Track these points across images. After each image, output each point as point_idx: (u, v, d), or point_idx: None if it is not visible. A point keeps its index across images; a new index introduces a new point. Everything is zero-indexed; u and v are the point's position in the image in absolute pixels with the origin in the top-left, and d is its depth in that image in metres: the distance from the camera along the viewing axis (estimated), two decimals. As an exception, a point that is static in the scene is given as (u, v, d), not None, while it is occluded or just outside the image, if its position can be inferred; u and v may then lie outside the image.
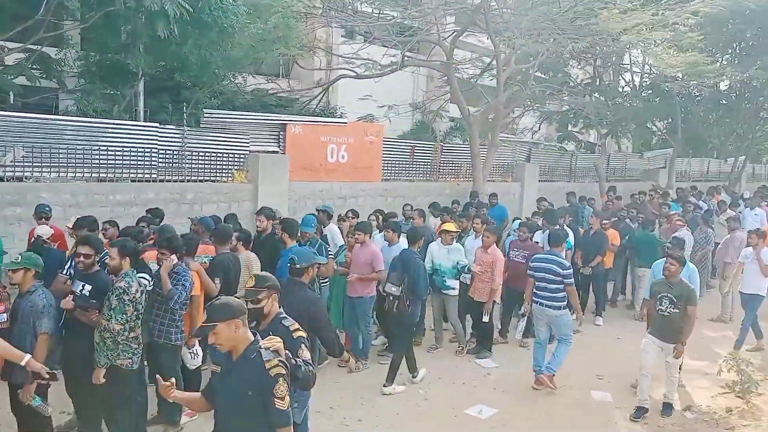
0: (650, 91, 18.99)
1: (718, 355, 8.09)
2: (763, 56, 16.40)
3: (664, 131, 21.16)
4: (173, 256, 5.17)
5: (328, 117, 13.12)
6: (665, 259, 6.34)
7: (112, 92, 11.36)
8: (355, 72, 13.35)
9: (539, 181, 17.34)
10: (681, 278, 6.11)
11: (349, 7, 12.26)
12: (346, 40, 13.69)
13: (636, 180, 21.22)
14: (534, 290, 6.86)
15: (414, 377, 6.87)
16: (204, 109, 10.46)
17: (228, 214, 8.06)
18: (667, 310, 6.02)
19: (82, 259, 4.66)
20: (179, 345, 5.30)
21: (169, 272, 5.12)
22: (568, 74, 19.10)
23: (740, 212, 13.25)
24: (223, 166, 10.61)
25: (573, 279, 6.77)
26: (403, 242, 7.14)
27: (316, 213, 8.53)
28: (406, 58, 12.69)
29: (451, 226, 7.68)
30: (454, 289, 7.61)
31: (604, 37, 12.37)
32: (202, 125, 10.45)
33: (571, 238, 9.45)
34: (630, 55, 14.90)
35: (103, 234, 6.39)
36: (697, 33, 14.54)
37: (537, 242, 8.63)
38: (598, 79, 17.53)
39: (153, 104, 11.50)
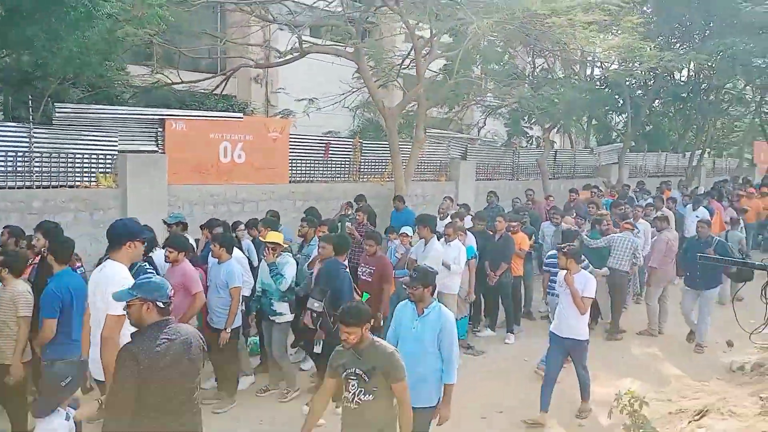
0: (595, 83, 17.93)
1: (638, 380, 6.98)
2: (708, 42, 15.45)
3: (621, 126, 20.13)
4: None
5: (224, 112, 11.68)
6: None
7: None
8: (252, 60, 11.98)
9: (478, 180, 16.15)
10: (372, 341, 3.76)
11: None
12: (241, 25, 12.21)
13: (586, 177, 20.14)
14: (549, 283, 7.80)
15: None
16: (55, 104, 8.98)
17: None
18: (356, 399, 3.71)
19: None
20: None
21: None
22: (513, 65, 17.92)
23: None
24: (83, 169, 9.18)
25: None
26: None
27: (166, 225, 7.25)
28: (309, 45, 11.36)
29: (275, 237, 6.23)
30: (282, 314, 6.21)
31: (528, 19, 11.18)
32: (55, 122, 9.01)
33: (473, 243, 8.23)
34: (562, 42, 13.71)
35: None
36: (636, 16, 13.46)
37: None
38: (534, 70, 16.35)
39: (15, 100, 10.00)
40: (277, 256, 6.05)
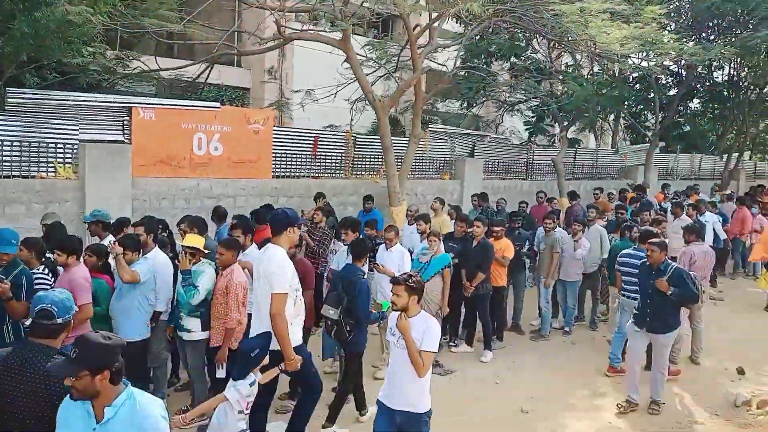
0: (615, 78, 16.69)
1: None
2: (735, 35, 14.10)
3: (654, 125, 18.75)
4: None
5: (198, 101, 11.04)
6: None
7: None
8: (235, 48, 11.31)
9: (487, 179, 15.21)
10: None
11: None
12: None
13: (609, 178, 18.95)
14: (623, 284, 7.21)
15: (362, 415, 5.77)
16: (8, 89, 8.49)
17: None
18: None
19: None
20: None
21: None
22: (533, 60, 16.85)
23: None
24: (40, 159, 8.68)
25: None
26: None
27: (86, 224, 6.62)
28: (293, 32, 10.61)
29: (194, 241, 5.42)
30: (191, 331, 5.42)
31: (533, 4, 10.26)
32: (12, 109, 8.52)
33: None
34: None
35: None
36: (659, 6, 12.31)
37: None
38: (551, 63, 15.26)
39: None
40: (193, 264, 5.34)
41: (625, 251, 7.43)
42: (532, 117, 19.38)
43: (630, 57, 11.57)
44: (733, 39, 15.29)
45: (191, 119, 10.07)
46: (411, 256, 7.32)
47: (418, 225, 7.80)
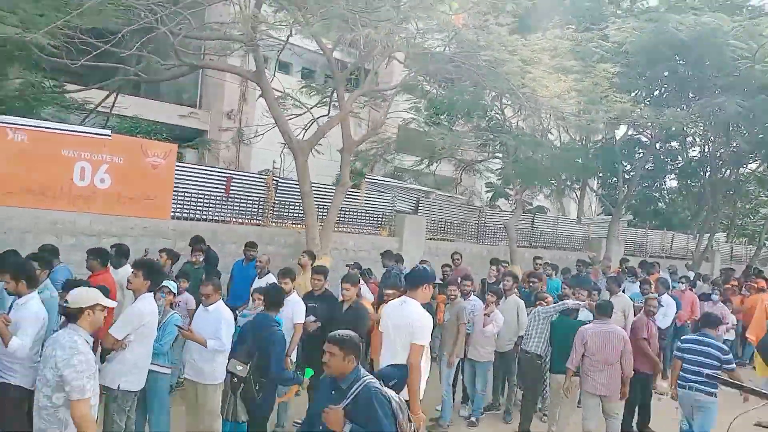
0: (577, 143, 15.84)
1: None
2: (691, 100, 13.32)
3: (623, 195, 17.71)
4: None
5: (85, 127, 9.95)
6: None
7: None
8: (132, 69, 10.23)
9: (431, 239, 14.07)
10: None
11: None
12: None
13: (571, 249, 17.85)
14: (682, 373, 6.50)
15: None
16: None
17: None
18: None
19: None
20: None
21: None
22: (492, 119, 16.03)
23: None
24: None
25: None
26: None
27: None
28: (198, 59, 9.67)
29: None
30: None
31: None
32: None
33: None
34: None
35: None
36: (610, 64, 11.54)
37: None
38: (505, 122, 14.39)
39: None
40: None
41: (687, 337, 6.83)
42: (498, 178, 18.51)
43: (574, 116, 10.61)
44: (691, 107, 14.48)
45: (74, 146, 8.95)
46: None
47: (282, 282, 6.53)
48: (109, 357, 4.71)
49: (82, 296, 3.73)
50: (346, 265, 9.54)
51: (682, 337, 6.98)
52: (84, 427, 3.47)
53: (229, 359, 5.23)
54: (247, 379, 5.02)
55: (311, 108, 11.96)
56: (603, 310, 6.72)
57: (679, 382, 6.53)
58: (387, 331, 4.75)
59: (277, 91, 10.89)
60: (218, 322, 5.17)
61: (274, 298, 5.45)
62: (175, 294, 5.75)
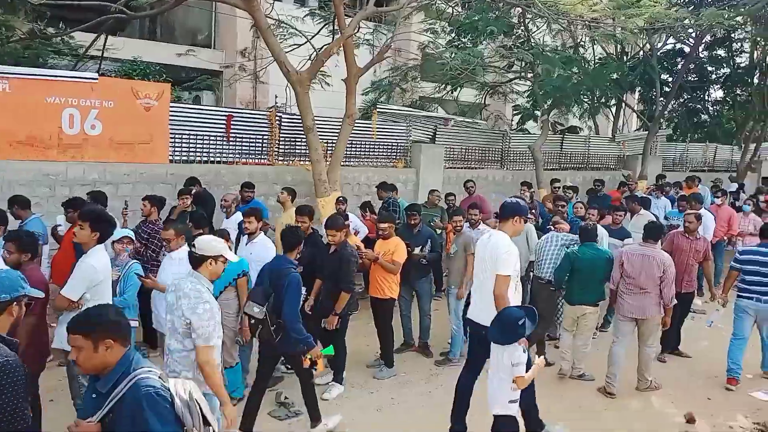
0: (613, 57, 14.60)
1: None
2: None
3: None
4: None
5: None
6: None
7: None
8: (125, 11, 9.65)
9: (451, 167, 13.40)
10: None
11: None
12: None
13: (605, 169, 16.90)
14: (741, 284, 6.52)
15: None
16: None
17: None
18: None
19: None
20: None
21: None
22: (520, 37, 14.89)
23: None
24: None
25: None
26: None
27: None
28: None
29: None
30: None
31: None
32: None
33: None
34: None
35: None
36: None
37: None
38: (529, 39, 13.27)
39: None
40: None
41: (745, 249, 6.90)
42: (527, 100, 17.49)
43: (602, 24, 9.55)
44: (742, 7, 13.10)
45: (59, 92, 8.54)
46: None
47: (246, 221, 6.04)
48: (61, 319, 4.34)
49: (209, 245, 3.79)
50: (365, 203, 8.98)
51: (740, 249, 7.13)
52: (207, 372, 3.54)
53: (246, 301, 5.07)
54: (264, 321, 4.88)
55: (312, 37, 11.21)
56: (650, 234, 6.18)
57: (740, 294, 6.54)
58: (477, 265, 4.91)
59: (272, 19, 10.15)
60: (183, 269, 4.77)
61: (292, 238, 5.10)
62: (133, 241, 5.29)
